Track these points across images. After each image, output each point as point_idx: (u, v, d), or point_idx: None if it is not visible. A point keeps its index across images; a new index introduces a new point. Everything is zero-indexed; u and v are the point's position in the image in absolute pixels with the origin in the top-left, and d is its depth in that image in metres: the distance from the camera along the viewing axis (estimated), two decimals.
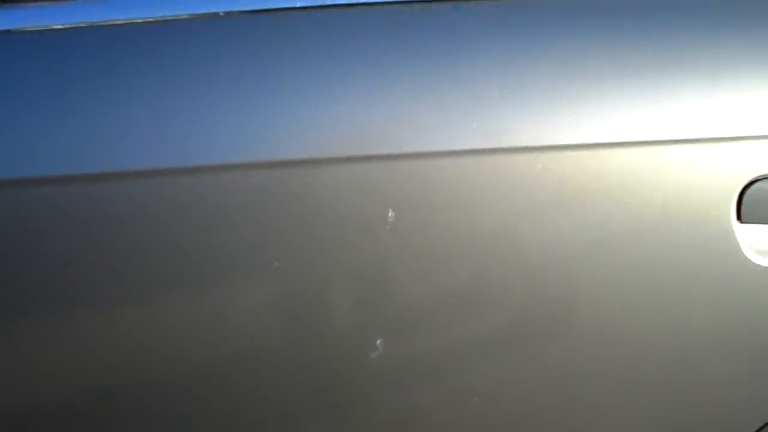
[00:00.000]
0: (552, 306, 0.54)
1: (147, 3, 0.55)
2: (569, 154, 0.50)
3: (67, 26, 0.54)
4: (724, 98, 0.50)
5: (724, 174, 0.49)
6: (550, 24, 0.53)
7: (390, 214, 0.51)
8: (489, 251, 0.53)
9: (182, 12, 0.54)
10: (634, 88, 0.50)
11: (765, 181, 0.48)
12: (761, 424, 0.56)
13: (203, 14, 0.54)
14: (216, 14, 0.53)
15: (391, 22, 0.54)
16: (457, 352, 0.56)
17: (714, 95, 0.50)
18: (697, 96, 0.50)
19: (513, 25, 0.53)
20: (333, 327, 0.56)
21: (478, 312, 0.55)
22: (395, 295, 0.55)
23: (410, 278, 0.54)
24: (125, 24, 0.54)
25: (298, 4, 0.53)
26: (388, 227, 0.52)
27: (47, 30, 0.54)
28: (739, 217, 0.49)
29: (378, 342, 0.54)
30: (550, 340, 0.55)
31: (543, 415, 0.58)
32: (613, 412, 0.58)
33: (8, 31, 0.54)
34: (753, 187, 0.48)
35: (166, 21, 0.54)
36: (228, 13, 0.54)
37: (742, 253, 0.50)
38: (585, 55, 0.52)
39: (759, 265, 0.50)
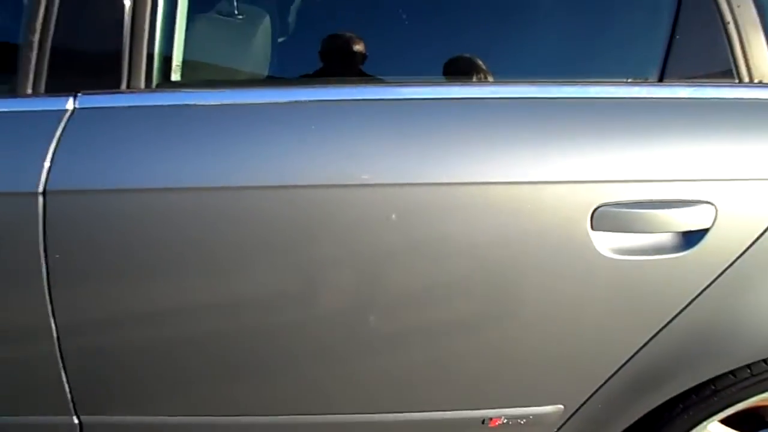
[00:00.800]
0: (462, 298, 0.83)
1: None
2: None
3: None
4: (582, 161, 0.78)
5: (583, 201, 0.77)
6: None
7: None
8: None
9: None
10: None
11: (605, 206, 0.77)
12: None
13: None
14: None
15: None
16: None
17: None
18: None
19: None
20: None
21: None
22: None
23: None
24: None
25: None
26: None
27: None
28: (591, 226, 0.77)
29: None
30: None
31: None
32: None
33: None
34: (599, 209, 0.76)
35: None
36: None
37: (595, 248, 0.77)
38: None
39: (605, 256, 0.78)
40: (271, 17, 1.03)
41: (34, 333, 0.86)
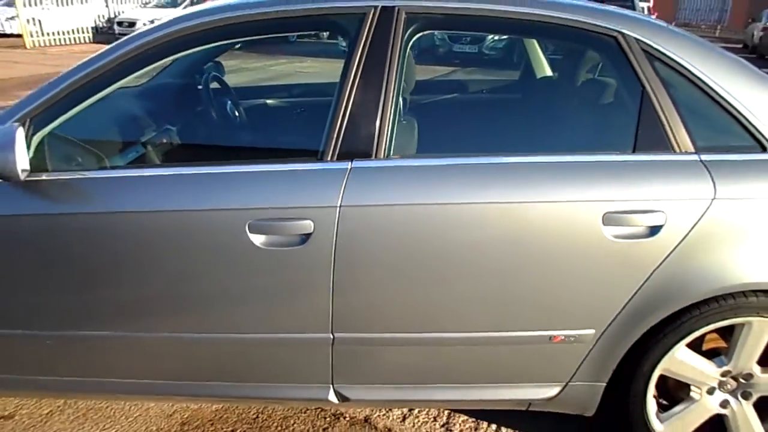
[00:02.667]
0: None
1: None
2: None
3: None
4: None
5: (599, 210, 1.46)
6: None
7: None
8: None
9: None
10: None
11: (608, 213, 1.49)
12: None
13: None
14: None
15: None
16: None
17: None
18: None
19: None
20: None
21: None
22: None
23: None
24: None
25: None
26: None
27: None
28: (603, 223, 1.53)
29: None
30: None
31: None
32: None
33: None
34: (606, 215, 1.50)
35: None
36: None
37: (605, 235, 1.47)
38: None
39: (611, 239, 1.51)
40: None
41: (309, 322, 1.62)
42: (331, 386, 1.73)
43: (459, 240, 1.55)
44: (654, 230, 1.56)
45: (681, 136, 1.60)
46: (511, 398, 1.75)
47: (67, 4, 15.66)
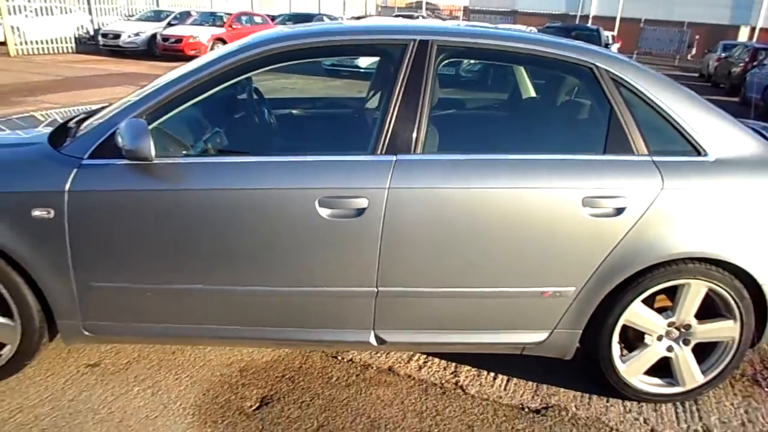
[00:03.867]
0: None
1: None
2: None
3: None
4: None
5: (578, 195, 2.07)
6: None
7: None
8: None
9: None
10: None
11: (587, 198, 2.03)
12: None
13: None
14: None
15: None
16: None
17: None
18: None
19: None
20: None
21: None
22: None
23: None
24: None
25: None
26: None
27: None
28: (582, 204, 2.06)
29: None
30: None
31: None
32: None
33: None
34: (585, 198, 2.08)
35: None
36: None
37: (582, 214, 2.05)
38: None
39: (587, 216, 2.07)
40: None
41: (360, 278, 2.10)
42: (372, 331, 2.22)
43: (475, 215, 2.07)
44: (619, 211, 2.11)
45: (638, 142, 2.17)
46: (510, 342, 2.28)
47: (49, 14, 15.84)
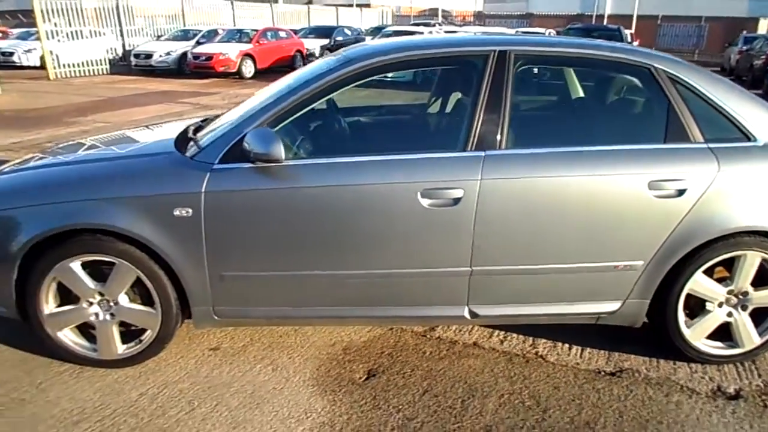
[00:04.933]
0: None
1: None
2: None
3: None
4: None
5: (644, 180, 2.36)
6: None
7: None
8: None
9: None
10: None
11: (652, 181, 2.39)
12: None
13: None
14: None
15: None
16: None
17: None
18: None
19: None
20: None
21: None
22: None
23: None
24: None
25: None
26: None
27: None
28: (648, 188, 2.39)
29: None
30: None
31: None
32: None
33: None
34: (651, 182, 2.38)
35: None
36: None
37: (649, 196, 2.38)
38: None
39: (653, 198, 2.38)
40: None
41: (456, 259, 2.42)
42: (466, 306, 2.54)
43: (555, 200, 2.38)
44: (681, 192, 2.40)
45: (695, 132, 2.46)
46: (588, 312, 2.57)
47: (80, 38, 16.48)
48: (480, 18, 37.29)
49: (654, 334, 2.73)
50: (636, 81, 2.59)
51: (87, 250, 2.45)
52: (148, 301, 2.56)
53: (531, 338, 2.92)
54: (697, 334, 2.63)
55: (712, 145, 2.45)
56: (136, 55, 16.17)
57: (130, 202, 2.38)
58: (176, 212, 2.38)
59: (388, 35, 16.13)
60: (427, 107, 2.82)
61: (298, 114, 2.49)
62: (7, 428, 2.26)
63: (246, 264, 2.47)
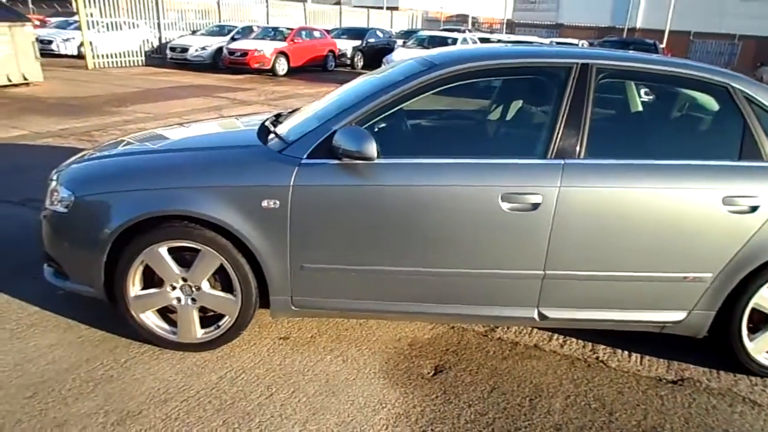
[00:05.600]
0: None
1: None
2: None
3: None
4: None
5: (717, 190, 2.46)
6: None
7: None
8: None
9: None
10: None
11: (727, 197, 2.35)
12: None
13: None
14: None
15: None
16: None
17: None
18: None
19: None
20: None
21: None
22: None
23: None
24: None
25: None
26: None
27: None
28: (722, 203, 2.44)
29: None
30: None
31: None
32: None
33: None
34: (725, 197, 2.46)
35: None
36: None
37: (723, 211, 2.49)
38: None
39: (727, 213, 2.47)
40: None
41: (531, 262, 2.50)
42: (536, 308, 2.62)
43: (630, 210, 2.45)
44: (754, 209, 2.46)
45: (767, 150, 2.52)
46: (654, 320, 2.64)
47: (118, 29, 16.78)
48: (510, 26, 37.27)
49: (714, 345, 2.79)
50: (712, 99, 2.65)
51: (175, 236, 2.56)
52: (227, 288, 2.67)
53: (590, 343, 2.99)
54: (759, 347, 2.69)
55: None
56: (172, 49, 16.43)
57: (220, 191, 2.49)
58: (264, 203, 2.49)
59: (422, 40, 16.23)
60: (504, 114, 2.91)
61: (384, 115, 2.59)
62: (101, 400, 2.38)
63: (326, 256, 2.57)
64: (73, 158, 3.06)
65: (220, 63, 16.06)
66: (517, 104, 2.91)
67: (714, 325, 2.68)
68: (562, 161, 2.48)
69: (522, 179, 2.46)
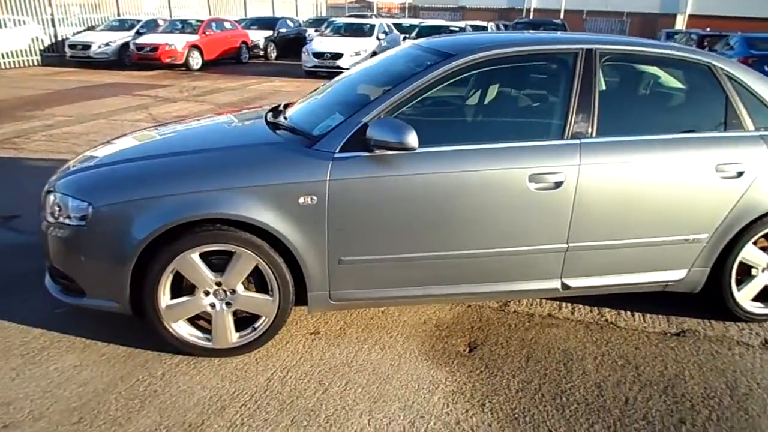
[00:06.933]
0: None
1: None
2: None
3: None
4: None
5: (712, 161, 2.79)
6: None
7: None
8: None
9: None
10: None
11: (720, 164, 2.82)
12: None
13: None
14: None
15: None
16: None
17: None
18: None
19: None
20: None
21: None
22: None
23: None
24: None
25: None
26: None
27: None
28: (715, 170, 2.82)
29: None
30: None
31: None
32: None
33: None
34: (718, 165, 2.82)
35: None
36: None
37: (717, 176, 2.84)
38: None
39: (719, 178, 2.83)
40: None
41: (555, 237, 2.69)
42: (559, 279, 2.81)
43: (640, 181, 2.70)
44: (740, 174, 2.79)
45: (746, 121, 2.85)
46: (659, 280, 2.92)
47: (3, 26, 15.37)
48: (415, 11, 37.85)
49: (707, 298, 3.12)
50: (698, 77, 2.94)
51: (208, 241, 2.51)
52: (262, 288, 2.65)
53: (596, 308, 3.25)
54: (744, 296, 3.05)
55: (761, 133, 2.85)
56: (72, 46, 15.29)
57: (254, 191, 2.46)
58: (301, 200, 2.49)
59: (339, 27, 16.18)
60: (519, 99, 3.06)
61: (409, 105, 2.65)
62: (156, 416, 2.31)
63: (365, 248, 2.62)
64: (68, 168, 2.88)
65: (126, 59, 15.19)
66: (531, 89, 3.07)
67: (707, 280, 3.00)
68: (578, 141, 2.68)
69: (546, 160, 2.63)
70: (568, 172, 2.63)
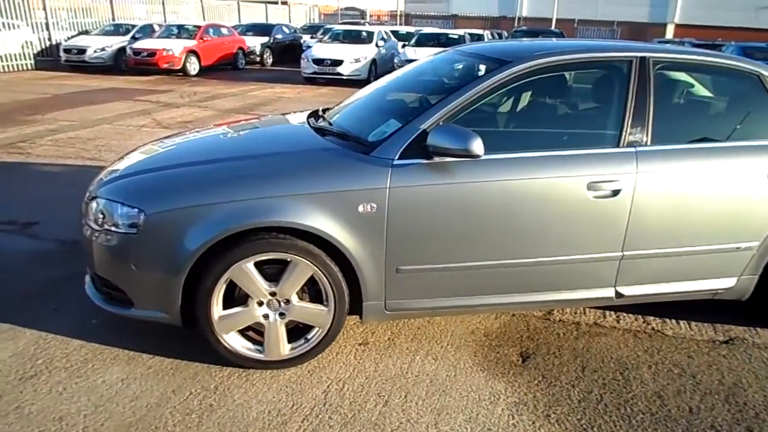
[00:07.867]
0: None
1: None
2: None
3: None
4: None
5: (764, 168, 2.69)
6: None
7: None
8: None
9: None
10: None
11: None
12: None
13: None
14: None
15: None
16: None
17: None
18: None
19: None
20: None
21: None
22: None
23: None
24: None
25: None
26: None
27: None
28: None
29: None
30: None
31: None
32: None
33: None
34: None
35: None
36: None
37: None
38: None
39: None
40: None
41: (611, 245, 2.67)
42: (613, 287, 2.79)
43: (695, 188, 2.69)
44: None
45: None
46: (710, 288, 2.91)
47: None
48: (406, 18, 37.96)
49: (753, 305, 3.12)
50: (747, 85, 2.95)
51: (265, 249, 2.45)
52: (316, 298, 2.60)
53: (640, 316, 3.23)
54: None
55: None
56: (67, 50, 15.10)
57: (313, 198, 2.41)
58: (361, 208, 2.45)
59: (337, 34, 16.15)
60: (575, 106, 3.04)
61: (467, 112, 2.62)
62: (216, 430, 2.24)
63: (423, 257, 2.58)
64: (108, 173, 2.81)
65: (122, 64, 15.04)
66: (587, 97, 3.06)
67: (756, 288, 2.99)
68: (634, 149, 2.66)
69: (603, 168, 2.61)
70: (625, 180, 2.62)
